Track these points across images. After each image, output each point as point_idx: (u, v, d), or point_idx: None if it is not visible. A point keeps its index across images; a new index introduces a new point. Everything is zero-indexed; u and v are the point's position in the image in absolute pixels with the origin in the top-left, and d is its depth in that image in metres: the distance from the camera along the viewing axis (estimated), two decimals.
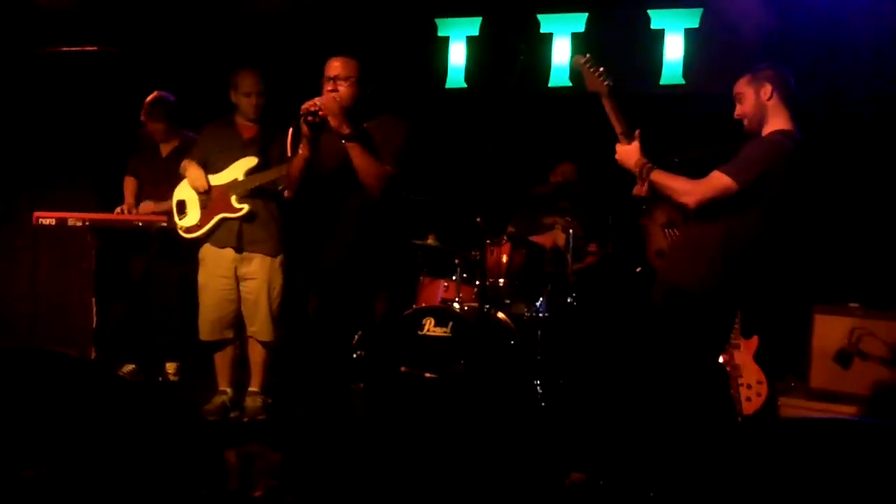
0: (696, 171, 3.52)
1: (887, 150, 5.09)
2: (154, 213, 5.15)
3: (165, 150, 5.37)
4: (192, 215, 4.70)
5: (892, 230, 5.08)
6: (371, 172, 3.74)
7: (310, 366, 4.27)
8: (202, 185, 4.63)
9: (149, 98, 5.31)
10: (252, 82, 4.64)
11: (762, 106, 3.48)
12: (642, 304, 3.79)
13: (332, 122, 3.67)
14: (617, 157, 3.59)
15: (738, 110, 3.54)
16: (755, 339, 4.82)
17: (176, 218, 4.77)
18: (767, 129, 3.49)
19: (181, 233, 4.74)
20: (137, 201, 5.34)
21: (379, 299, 4.00)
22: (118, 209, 5.32)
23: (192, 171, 4.68)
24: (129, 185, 5.42)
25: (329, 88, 3.83)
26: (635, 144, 3.54)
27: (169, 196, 4.89)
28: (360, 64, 3.88)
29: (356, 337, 3.96)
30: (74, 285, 5.96)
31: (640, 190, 3.59)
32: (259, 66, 4.71)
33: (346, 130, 3.68)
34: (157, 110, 5.29)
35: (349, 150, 3.73)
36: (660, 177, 3.47)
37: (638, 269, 3.86)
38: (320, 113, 3.67)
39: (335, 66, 3.85)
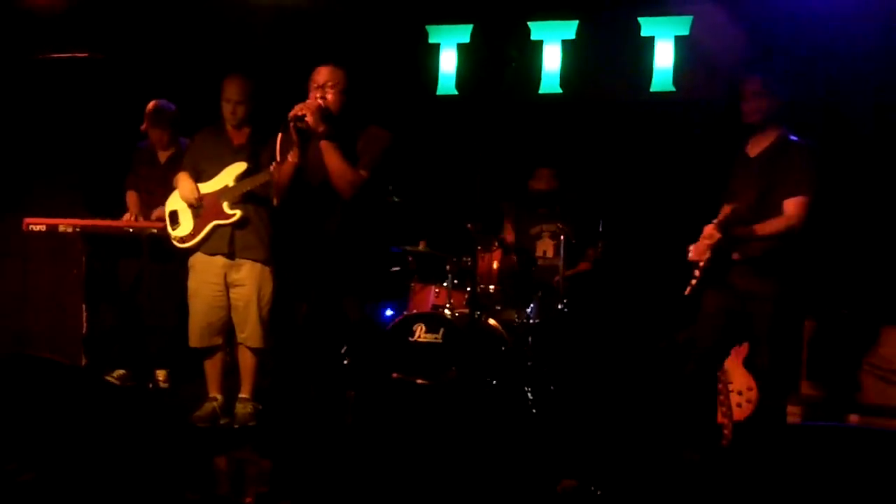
0: None
1: (887, 151, 5.09)
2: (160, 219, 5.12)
3: (163, 157, 5.36)
4: (186, 225, 4.69)
5: (887, 238, 5.08)
6: (341, 173, 3.82)
7: (300, 372, 4.26)
8: (194, 198, 4.62)
9: (150, 107, 5.30)
10: (233, 90, 4.61)
11: None
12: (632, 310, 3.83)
13: (310, 120, 3.73)
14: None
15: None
16: (745, 345, 4.82)
17: (169, 228, 4.75)
18: None
19: (175, 243, 4.71)
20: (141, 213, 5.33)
21: (354, 303, 4.01)
22: (126, 216, 5.29)
23: (183, 183, 4.67)
24: (132, 199, 5.40)
25: (318, 96, 3.87)
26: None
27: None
28: (348, 73, 3.94)
29: (344, 344, 3.97)
30: (65, 291, 5.93)
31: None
32: (246, 74, 4.68)
33: (321, 128, 3.75)
34: (160, 118, 5.30)
35: (323, 149, 3.80)
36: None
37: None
38: (301, 112, 3.72)
39: (323, 74, 3.92)
